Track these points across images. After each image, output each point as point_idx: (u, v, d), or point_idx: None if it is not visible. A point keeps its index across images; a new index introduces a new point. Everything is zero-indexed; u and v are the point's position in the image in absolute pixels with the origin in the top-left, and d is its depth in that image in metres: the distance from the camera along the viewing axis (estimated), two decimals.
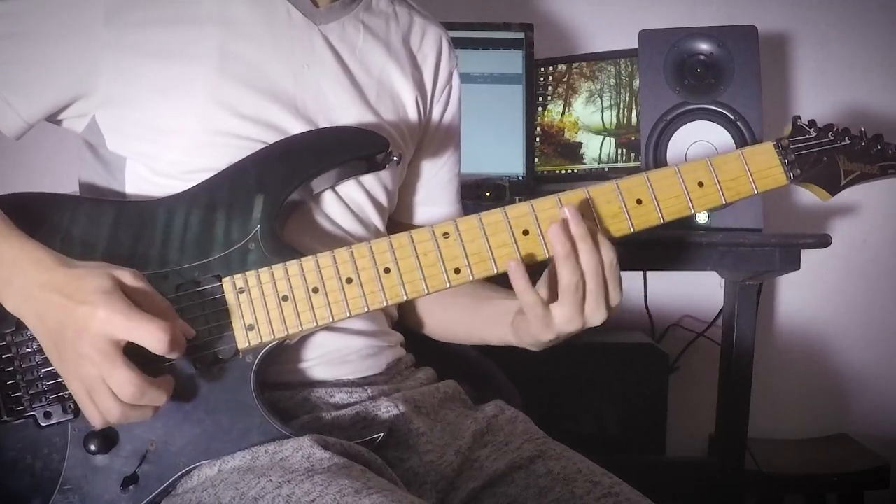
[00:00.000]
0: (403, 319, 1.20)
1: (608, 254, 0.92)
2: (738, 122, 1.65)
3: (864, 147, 1.02)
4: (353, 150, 0.99)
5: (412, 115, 1.12)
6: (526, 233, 0.95)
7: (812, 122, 1.03)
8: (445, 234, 0.95)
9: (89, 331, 0.80)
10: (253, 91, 0.98)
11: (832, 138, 1.02)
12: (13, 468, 0.88)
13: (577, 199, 0.96)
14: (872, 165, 1.02)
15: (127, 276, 0.83)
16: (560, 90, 2.02)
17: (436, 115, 1.18)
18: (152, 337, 0.80)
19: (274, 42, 1.00)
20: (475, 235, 0.95)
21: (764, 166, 1.00)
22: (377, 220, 1.08)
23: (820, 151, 1.01)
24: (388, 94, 1.09)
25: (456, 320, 1.16)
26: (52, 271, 0.83)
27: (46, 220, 0.92)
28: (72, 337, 0.80)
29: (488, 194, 1.75)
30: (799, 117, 1.03)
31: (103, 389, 0.81)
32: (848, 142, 1.02)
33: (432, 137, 1.18)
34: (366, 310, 0.93)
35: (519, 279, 0.92)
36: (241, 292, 0.91)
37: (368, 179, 1.06)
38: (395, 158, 1.00)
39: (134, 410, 0.83)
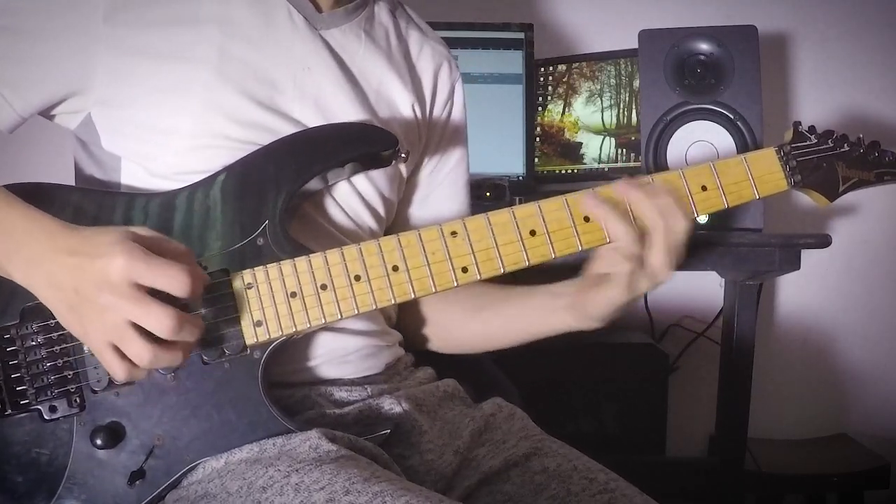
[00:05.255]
0: (413, 338, 1.18)
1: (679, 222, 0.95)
2: (738, 122, 1.65)
3: (861, 154, 1.03)
4: (364, 145, 0.98)
5: (411, 126, 1.11)
6: (533, 233, 0.96)
7: (812, 129, 1.04)
8: (454, 233, 0.95)
9: (110, 280, 0.76)
10: (251, 94, 0.97)
11: (831, 145, 1.03)
12: (18, 462, 0.87)
13: (582, 199, 0.96)
14: (869, 172, 1.03)
15: (140, 229, 0.81)
16: (560, 90, 2.03)
17: (437, 129, 1.17)
18: (174, 280, 0.77)
19: (275, 44, 0.99)
20: (483, 235, 0.95)
21: (766, 171, 1.01)
22: (374, 226, 1.07)
23: (819, 158, 1.02)
24: (385, 103, 1.08)
25: (496, 324, 1.14)
26: (63, 236, 0.80)
27: (52, 207, 0.89)
28: (91, 292, 0.77)
29: (488, 194, 1.74)
30: (800, 123, 1.04)
31: (131, 335, 0.77)
32: (847, 148, 1.03)
33: (434, 152, 1.18)
34: (374, 307, 0.93)
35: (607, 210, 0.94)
36: (249, 287, 0.90)
37: (363, 185, 1.05)
38: (402, 155, 1.00)
39: (165, 352, 0.79)
